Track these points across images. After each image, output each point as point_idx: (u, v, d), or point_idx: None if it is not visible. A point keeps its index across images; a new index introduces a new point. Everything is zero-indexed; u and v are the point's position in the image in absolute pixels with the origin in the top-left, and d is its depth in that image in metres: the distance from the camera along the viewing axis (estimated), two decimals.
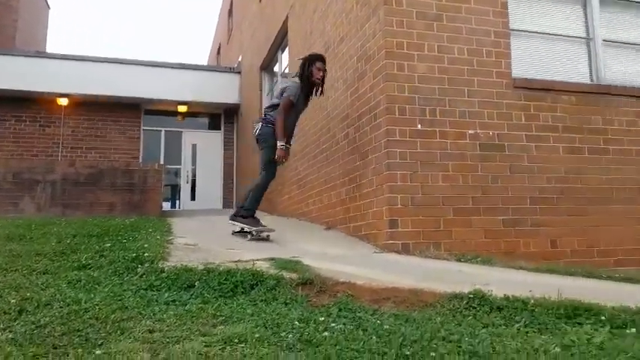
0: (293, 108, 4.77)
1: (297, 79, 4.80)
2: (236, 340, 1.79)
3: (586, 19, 5.15)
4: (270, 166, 4.71)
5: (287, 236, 4.81)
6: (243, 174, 11.41)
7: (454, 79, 4.56)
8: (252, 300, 2.37)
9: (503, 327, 2.09)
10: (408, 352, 1.70)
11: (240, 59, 12.01)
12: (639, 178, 4.75)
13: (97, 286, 2.71)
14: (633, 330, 2.05)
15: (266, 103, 5.44)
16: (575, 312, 2.22)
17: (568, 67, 5.00)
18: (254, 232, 4.44)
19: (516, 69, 4.76)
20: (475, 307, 2.31)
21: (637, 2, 5.31)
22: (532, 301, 2.31)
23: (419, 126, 4.44)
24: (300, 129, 6.98)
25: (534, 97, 4.69)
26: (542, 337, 1.96)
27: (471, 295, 2.39)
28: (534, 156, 4.59)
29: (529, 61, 4.89)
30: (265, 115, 4.77)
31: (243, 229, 4.58)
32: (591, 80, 5.00)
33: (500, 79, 4.66)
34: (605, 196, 4.65)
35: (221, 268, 2.74)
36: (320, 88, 4.91)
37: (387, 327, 1.97)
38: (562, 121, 4.69)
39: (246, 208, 4.62)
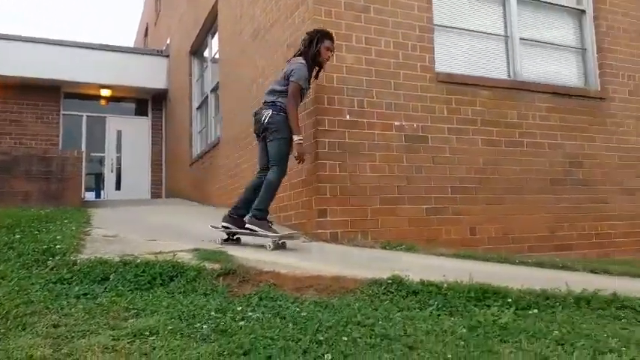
0: (300, 93, 4.04)
1: (300, 59, 4.02)
2: (147, 333, 1.73)
3: (505, 17, 5.42)
4: (284, 162, 3.95)
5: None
6: (173, 162, 11.03)
7: (381, 72, 4.64)
8: (170, 292, 2.30)
9: (418, 310, 2.18)
10: (322, 338, 1.72)
11: (168, 42, 11.54)
12: (550, 169, 5.10)
13: (1, 280, 2.51)
14: (535, 310, 2.20)
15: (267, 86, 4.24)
16: (484, 295, 2.35)
17: (487, 63, 5.25)
18: (271, 245, 3.66)
19: (439, 64, 4.93)
20: (392, 292, 2.38)
21: (551, 3, 5.65)
22: (445, 285, 2.41)
23: (347, 116, 4.49)
24: (232, 116, 6.86)
25: (456, 91, 4.88)
26: (452, 319, 2.06)
27: (390, 281, 2.46)
28: (455, 148, 4.79)
29: (451, 56, 5.09)
30: (275, 101, 3.96)
31: (255, 231, 3.80)
32: (509, 76, 5.29)
33: (424, 72, 4.81)
34: (519, 186, 4.95)
35: (139, 260, 2.63)
36: (320, 71, 4.26)
37: (305, 314, 1.98)
38: (481, 114, 4.93)
39: (258, 209, 3.85)
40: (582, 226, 5.11)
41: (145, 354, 1.58)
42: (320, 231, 4.24)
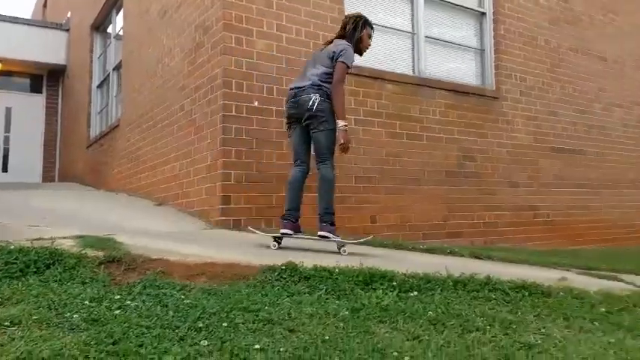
0: None
1: (345, 41, 3.61)
2: (7, 323, 1.58)
3: (412, 15, 5.64)
4: (332, 154, 3.59)
5: (110, 212, 4.45)
6: (68, 144, 10.21)
7: (292, 60, 4.63)
8: (43, 280, 2.12)
9: (307, 295, 2.20)
10: (202, 325, 1.68)
11: (69, 15, 10.65)
12: (446, 162, 5.42)
13: None
14: (416, 293, 2.32)
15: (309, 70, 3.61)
16: (372, 279, 2.43)
17: (394, 58, 5.44)
18: (345, 250, 3.39)
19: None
20: (285, 278, 2.39)
21: (455, 4, 5.95)
22: (337, 270, 2.46)
23: (256, 103, 4.44)
24: (135, 96, 6.49)
25: (364, 83, 5.01)
26: (338, 302, 2.11)
27: (284, 267, 2.46)
28: (361, 139, 4.92)
29: None
30: (321, 85, 3.49)
31: (328, 238, 3.46)
32: (413, 72, 5.52)
33: None
34: (417, 177, 5.21)
35: (12, 247, 2.40)
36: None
37: (189, 301, 1.93)
38: (386, 108, 5.10)
39: (330, 213, 3.53)
40: (472, 215, 5.50)
41: (2, 345, 1.44)
42: (223, 218, 4.17)
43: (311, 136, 3.54)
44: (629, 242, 6.89)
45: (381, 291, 2.31)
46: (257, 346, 1.53)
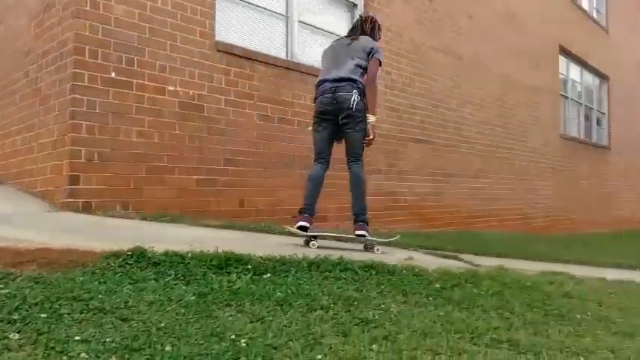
0: None
1: (371, 39, 3.67)
2: None
3: None
4: (362, 152, 3.57)
5: None
6: None
7: (156, 30, 4.33)
8: None
9: (153, 281, 2.07)
10: (17, 316, 1.48)
11: None
12: None
13: None
14: (269, 275, 2.32)
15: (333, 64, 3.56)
16: (227, 262, 2.37)
17: (268, 40, 5.38)
18: (379, 249, 3.55)
19: (221, 33, 4.85)
20: (131, 264, 2.22)
21: None
22: (190, 255, 2.36)
23: (113, 74, 4.08)
24: None
25: (235, 63, 4.88)
26: (185, 287, 2.02)
27: (130, 253, 2.29)
28: (231, 120, 4.80)
29: (233, 27, 5.05)
30: (357, 80, 3.46)
31: (365, 237, 3.52)
32: (287, 56, 5.51)
33: (203, 39, 4.66)
34: (287, 161, 5.24)
35: None
36: None
37: (8, 291, 1.69)
38: (258, 89, 5.04)
39: (364, 212, 3.53)
40: (339, 199, 5.70)
41: None
42: (71, 200, 3.78)
43: (344, 134, 3.52)
44: (475, 226, 7.75)
45: (235, 274, 2.26)
46: (78, 338, 1.39)
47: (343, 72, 3.46)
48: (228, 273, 2.30)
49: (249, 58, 5.01)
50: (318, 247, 3.31)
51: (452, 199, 7.49)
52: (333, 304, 1.99)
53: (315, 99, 3.61)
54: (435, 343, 1.71)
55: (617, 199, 13.35)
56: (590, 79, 12.94)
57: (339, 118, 3.47)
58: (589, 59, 12.28)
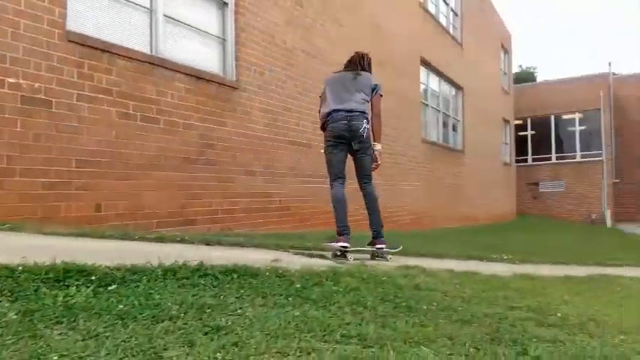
0: None
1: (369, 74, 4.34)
2: None
3: None
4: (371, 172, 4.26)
5: None
6: None
7: None
8: None
9: None
10: None
11: None
12: (184, 148, 5.30)
13: None
14: (115, 286, 2.13)
15: (341, 96, 4.14)
16: (66, 274, 2.13)
17: (128, 33, 5.02)
18: (391, 257, 4.28)
19: (73, 22, 4.41)
20: None
21: None
22: (21, 268, 2.08)
23: None
24: None
25: (90, 55, 4.47)
26: (10, 305, 1.76)
27: None
28: (85, 117, 4.39)
29: (88, 17, 4.62)
30: (365, 111, 4.09)
31: (384, 250, 4.26)
32: (150, 51, 5.19)
33: (52, 27, 4.20)
34: (153, 163, 4.94)
35: None
36: None
37: None
38: (117, 85, 4.67)
39: (382, 228, 4.27)
40: (210, 202, 5.54)
41: None
42: None
43: (358, 158, 4.13)
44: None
45: (74, 288, 2.04)
46: None
47: (354, 104, 4.06)
48: (67, 286, 2.07)
49: (107, 51, 4.62)
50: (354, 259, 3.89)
51: (328, 199, 7.69)
52: (184, 313, 1.89)
53: (325, 124, 4.15)
54: (286, 344, 1.71)
55: (468, 197, 14.93)
56: (447, 88, 14.29)
57: (352, 144, 4.06)
58: (446, 71, 13.56)
